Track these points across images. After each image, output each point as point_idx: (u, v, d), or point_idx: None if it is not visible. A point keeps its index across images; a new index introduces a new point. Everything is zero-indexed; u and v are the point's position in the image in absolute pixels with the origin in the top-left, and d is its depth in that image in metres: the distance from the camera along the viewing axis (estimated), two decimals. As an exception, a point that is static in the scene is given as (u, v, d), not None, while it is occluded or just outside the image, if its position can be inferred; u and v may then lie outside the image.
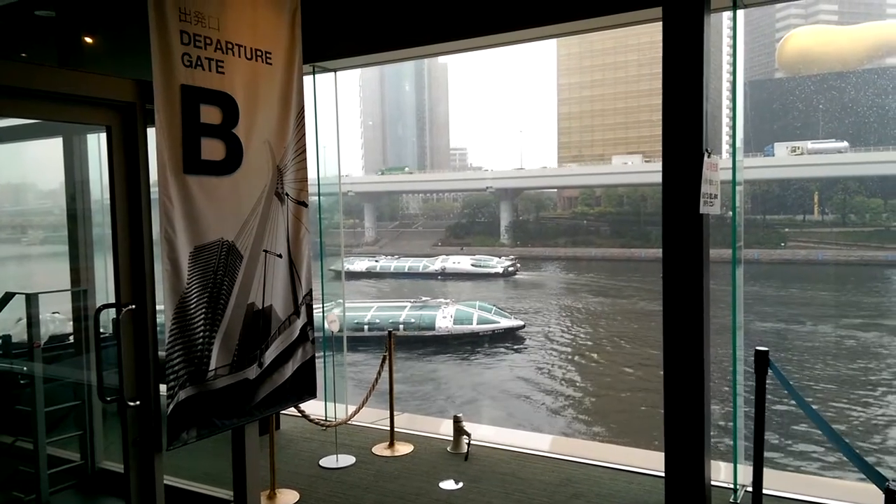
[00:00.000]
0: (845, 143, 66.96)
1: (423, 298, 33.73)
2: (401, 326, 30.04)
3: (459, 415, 5.53)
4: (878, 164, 61.75)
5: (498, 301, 37.67)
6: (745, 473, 4.24)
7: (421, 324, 30.29)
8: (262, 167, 3.62)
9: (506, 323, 30.75)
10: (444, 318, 30.31)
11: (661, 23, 3.89)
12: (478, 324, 30.15)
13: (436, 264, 56.90)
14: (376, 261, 58.38)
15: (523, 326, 31.15)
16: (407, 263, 57.72)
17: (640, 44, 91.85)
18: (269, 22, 3.67)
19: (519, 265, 57.25)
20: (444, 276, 54.87)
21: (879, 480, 2.63)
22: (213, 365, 3.33)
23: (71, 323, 4.65)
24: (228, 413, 3.44)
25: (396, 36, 4.90)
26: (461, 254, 62.62)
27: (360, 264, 55.93)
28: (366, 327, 29.87)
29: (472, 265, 56.62)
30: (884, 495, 2.51)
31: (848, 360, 25.86)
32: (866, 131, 78.14)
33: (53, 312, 4.67)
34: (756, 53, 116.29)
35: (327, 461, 5.28)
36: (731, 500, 4.32)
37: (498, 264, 56.55)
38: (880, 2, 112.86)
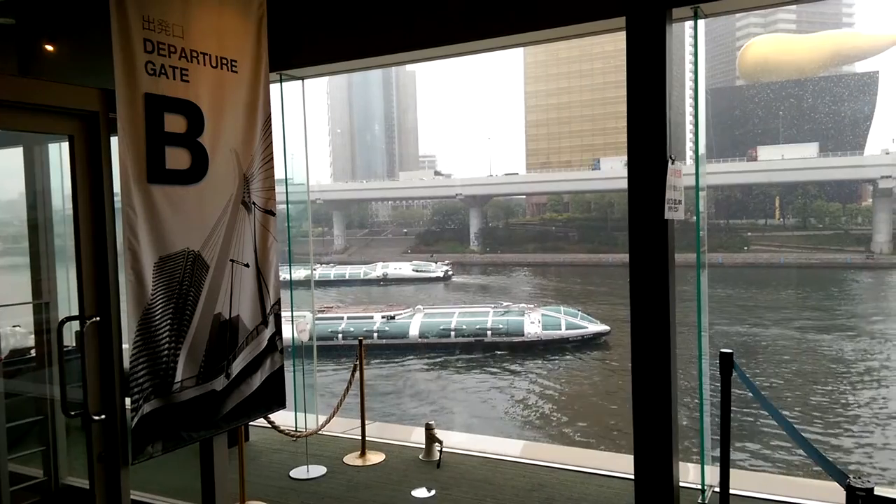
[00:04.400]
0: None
1: (505, 304, 33.21)
2: (488, 332, 29.89)
3: (431, 422, 5.53)
4: (836, 170, 63.53)
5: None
6: (713, 474, 4.32)
7: (509, 330, 29.91)
8: (229, 176, 3.59)
9: (593, 328, 30.23)
10: (533, 324, 29.86)
11: (624, 32, 3.97)
12: (566, 329, 29.69)
13: (376, 271, 57.56)
14: (314, 269, 57.89)
15: (609, 332, 30.50)
16: (347, 271, 57.88)
17: (604, 52, 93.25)
18: (234, 30, 3.64)
19: (451, 270, 59.18)
20: (386, 281, 55.61)
21: (840, 478, 2.69)
22: (178, 377, 3.28)
23: (33, 336, 4.54)
24: (195, 425, 3.40)
25: (364, 44, 4.90)
26: (430, 261, 63.12)
27: (295, 273, 55.45)
28: (452, 333, 29.97)
29: (414, 270, 57.88)
30: (845, 492, 2.57)
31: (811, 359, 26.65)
32: (824, 137, 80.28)
33: (14, 326, 4.56)
34: (717, 62, 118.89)
35: (298, 472, 5.23)
36: (699, 501, 4.39)
37: (437, 268, 58.21)
38: (836, 11, 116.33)
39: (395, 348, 29.89)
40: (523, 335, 29.63)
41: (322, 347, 28.32)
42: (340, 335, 30.03)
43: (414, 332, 30.36)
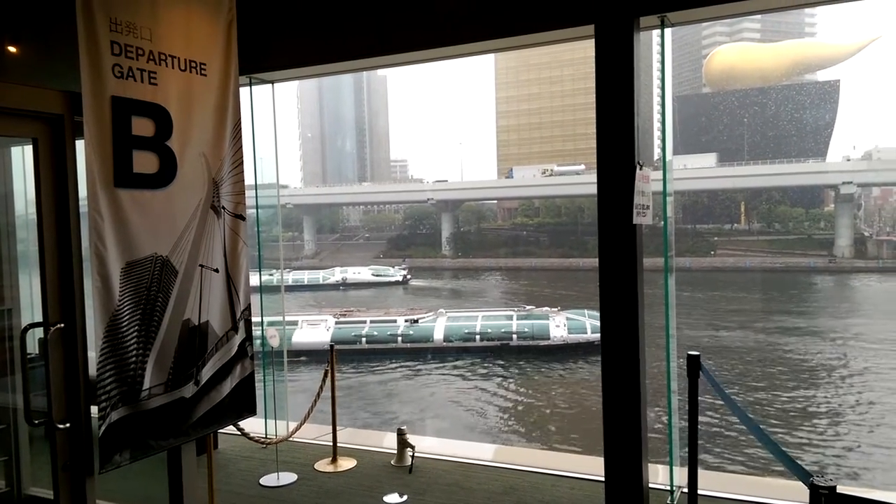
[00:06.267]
0: (582, 166, 79.18)
1: (528, 307, 32.60)
2: (513, 336, 29.46)
3: (403, 427, 5.52)
4: (798, 175, 65.06)
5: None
6: (682, 475, 4.38)
7: (534, 333, 29.42)
8: (198, 180, 3.55)
9: None
10: (558, 328, 29.35)
11: (593, 40, 4.02)
12: (591, 332, 28.84)
13: (335, 275, 57.88)
14: (270, 274, 57.61)
15: None
16: (305, 275, 57.70)
17: (574, 59, 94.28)
18: (203, 33, 3.61)
19: (409, 274, 60.11)
20: (346, 286, 56.00)
21: (804, 476, 2.75)
22: (147, 384, 3.23)
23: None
24: (164, 433, 3.35)
25: (335, 48, 4.89)
26: (401, 266, 63.45)
27: (254, 279, 55.64)
28: (477, 337, 29.56)
29: (373, 275, 58.69)
30: (808, 490, 2.63)
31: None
32: (787, 144, 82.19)
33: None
34: (684, 69, 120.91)
35: (268, 479, 5.17)
36: (668, 502, 4.45)
37: (396, 273, 59.13)
38: (799, 21, 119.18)
39: (420, 352, 29.47)
40: (549, 339, 29.14)
41: (346, 351, 28.40)
42: (364, 339, 29.74)
43: (438, 335, 29.90)
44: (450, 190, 77.64)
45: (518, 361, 28.16)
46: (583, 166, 78.85)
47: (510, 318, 30.95)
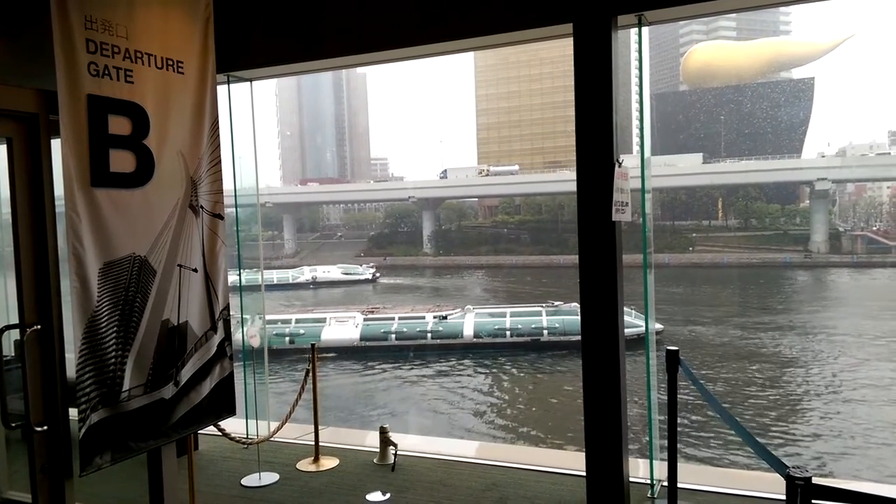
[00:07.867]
0: (516, 167, 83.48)
1: (556, 303, 31.94)
2: (544, 332, 29.11)
3: (386, 425, 5.52)
4: (774, 172, 65.98)
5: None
6: (662, 469, 4.43)
7: (565, 329, 28.92)
8: (175, 179, 3.53)
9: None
10: None
11: (572, 38, 4.05)
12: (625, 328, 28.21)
13: (305, 274, 58.14)
14: (238, 274, 57.60)
15: (662, 331, 29.32)
16: (274, 275, 57.41)
17: (553, 57, 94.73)
18: (180, 31, 3.58)
19: (378, 273, 60.85)
20: (317, 285, 56.23)
21: (780, 468, 2.79)
22: (126, 385, 3.21)
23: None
24: (144, 435, 3.32)
25: (313, 46, 4.87)
26: (384, 264, 63.62)
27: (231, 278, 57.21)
28: (508, 333, 29.28)
29: (343, 273, 59.18)
30: (785, 482, 2.67)
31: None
32: (763, 141, 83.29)
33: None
34: (661, 67, 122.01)
35: (249, 480, 5.15)
36: (648, 495, 4.49)
37: (365, 271, 59.93)
38: (774, 19, 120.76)
39: (451, 349, 28.98)
40: (580, 334, 28.70)
41: (376, 348, 28.31)
42: (393, 335, 29.48)
43: (468, 332, 29.49)
44: (431, 188, 77.64)
45: (562, 359, 27.64)
46: (517, 166, 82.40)
47: (539, 314, 30.47)
